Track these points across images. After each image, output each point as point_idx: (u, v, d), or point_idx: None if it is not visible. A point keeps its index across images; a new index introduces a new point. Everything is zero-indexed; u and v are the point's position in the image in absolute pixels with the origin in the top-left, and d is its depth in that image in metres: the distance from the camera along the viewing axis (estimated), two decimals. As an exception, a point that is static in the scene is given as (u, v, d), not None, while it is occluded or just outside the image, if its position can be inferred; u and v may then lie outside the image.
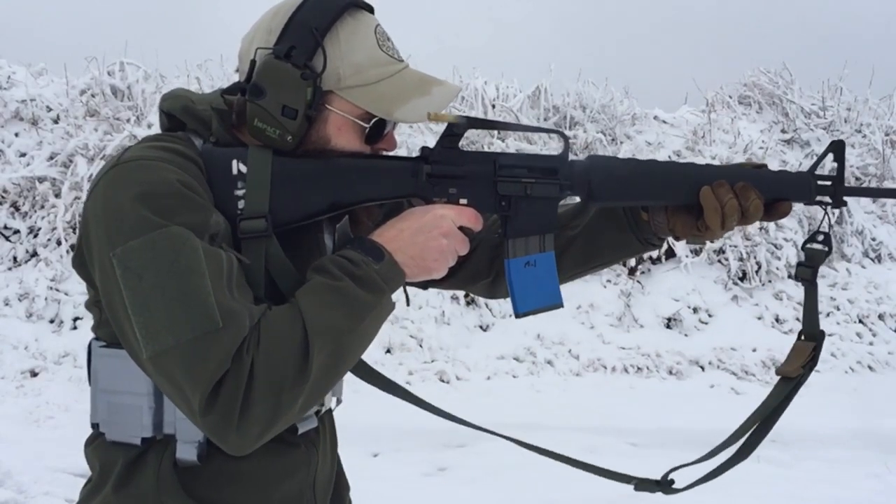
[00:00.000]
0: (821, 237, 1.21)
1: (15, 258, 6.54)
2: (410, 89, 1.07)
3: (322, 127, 1.06)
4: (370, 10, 1.11)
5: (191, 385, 0.88)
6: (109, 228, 0.92)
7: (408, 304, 1.20)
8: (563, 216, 1.26)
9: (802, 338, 1.22)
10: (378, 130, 1.09)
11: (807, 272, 1.20)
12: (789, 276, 7.29)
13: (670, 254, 7.31)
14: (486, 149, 7.21)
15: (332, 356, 0.94)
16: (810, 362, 1.19)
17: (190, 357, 0.88)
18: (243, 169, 1.02)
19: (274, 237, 1.02)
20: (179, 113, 1.08)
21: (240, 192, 1.02)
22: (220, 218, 0.99)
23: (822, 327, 1.21)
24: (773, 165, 7.93)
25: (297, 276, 1.01)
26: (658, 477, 1.24)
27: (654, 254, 7.28)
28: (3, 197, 6.73)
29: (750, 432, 1.21)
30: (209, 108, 1.07)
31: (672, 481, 1.24)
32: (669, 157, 7.91)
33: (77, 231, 1.08)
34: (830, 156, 1.19)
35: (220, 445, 0.91)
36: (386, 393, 1.23)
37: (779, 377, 1.22)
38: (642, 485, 1.24)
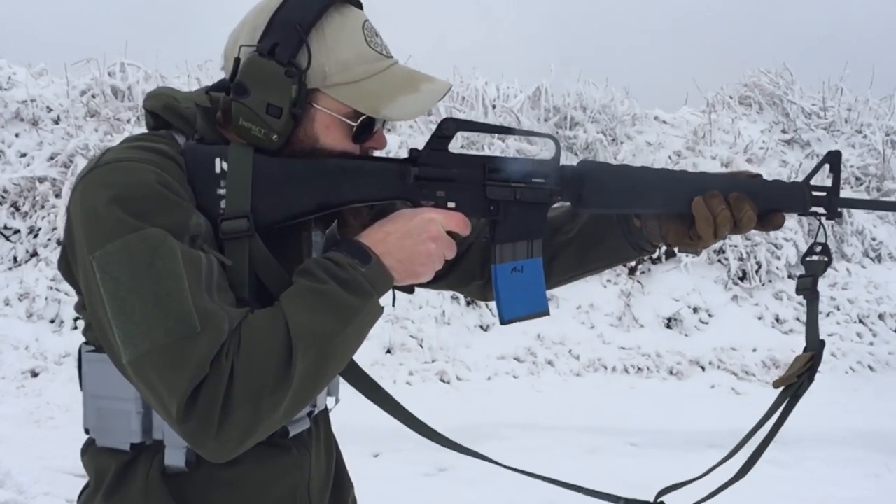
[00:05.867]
0: (819, 248, 1.19)
1: (15, 258, 6.54)
2: (398, 86, 1.04)
3: (310, 125, 1.03)
4: (358, 5, 1.08)
5: (167, 391, 0.86)
6: (88, 232, 0.91)
7: (393, 305, 1.17)
8: (556, 220, 1.25)
9: (806, 350, 1.19)
10: (366, 129, 1.06)
11: (807, 282, 1.19)
12: (789, 276, 7.29)
13: (670, 254, 7.31)
14: (486, 150, 7.20)
15: (316, 361, 0.91)
16: (808, 371, 1.17)
17: (166, 362, 0.86)
18: (227, 167, 1.00)
19: (257, 237, 0.99)
20: (162, 111, 1.06)
21: (222, 191, 0.99)
22: (202, 219, 0.96)
23: (822, 330, 1.18)
24: (774, 165, 7.94)
25: (284, 275, 0.99)
26: (651, 498, 1.20)
27: (655, 254, 7.27)
28: (3, 197, 6.73)
29: (753, 450, 1.17)
30: (193, 106, 1.05)
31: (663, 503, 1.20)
32: (670, 157, 7.91)
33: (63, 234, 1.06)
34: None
35: (199, 452, 0.90)
36: (374, 403, 1.14)
37: (779, 388, 1.19)
38: None
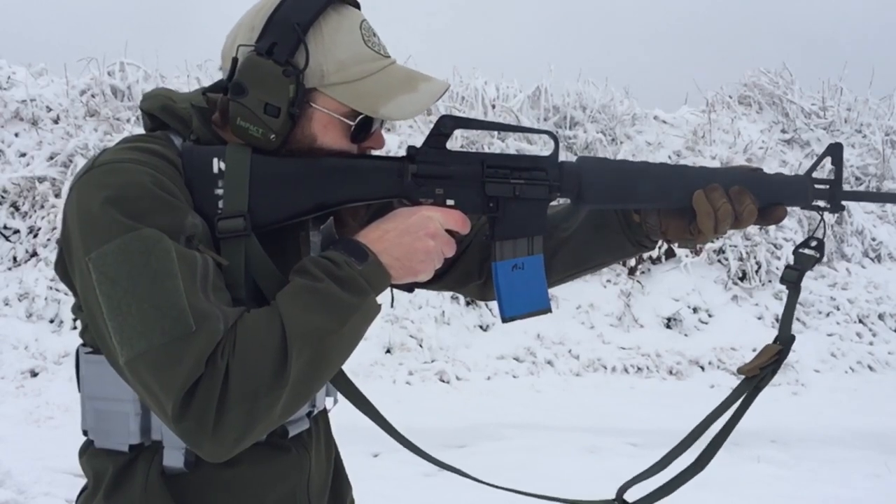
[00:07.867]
0: (814, 243, 1.18)
1: (15, 258, 6.54)
2: (396, 86, 1.04)
3: (307, 125, 1.03)
4: (356, 4, 1.08)
5: (163, 391, 0.86)
6: (84, 233, 0.91)
7: (392, 306, 1.17)
8: (555, 217, 1.24)
9: (778, 342, 1.19)
10: (364, 128, 1.06)
11: (793, 275, 1.18)
12: (789, 277, 7.28)
13: (670, 254, 7.31)
14: (486, 149, 7.19)
15: (312, 360, 0.91)
16: (772, 365, 1.17)
17: (162, 362, 0.86)
18: (224, 167, 1.00)
19: (253, 237, 0.99)
20: (158, 112, 1.06)
21: (220, 192, 0.99)
22: (198, 219, 0.96)
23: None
24: (774, 165, 7.93)
25: (279, 275, 0.99)
26: (612, 496, 1.21)
27: (654, 253, 7.28)
28: (3, 197, 6.73)
29: (711, 440, 1.17)
30: (189, 107, 1.05)
31: (625, 502, 1.20)
32: (669, 157, 7.91)
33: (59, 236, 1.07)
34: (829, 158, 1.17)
35: (196, 452, 0.90)
36: (360, 412, 1.15)
37: (742, 376, 1.19)
38: None
